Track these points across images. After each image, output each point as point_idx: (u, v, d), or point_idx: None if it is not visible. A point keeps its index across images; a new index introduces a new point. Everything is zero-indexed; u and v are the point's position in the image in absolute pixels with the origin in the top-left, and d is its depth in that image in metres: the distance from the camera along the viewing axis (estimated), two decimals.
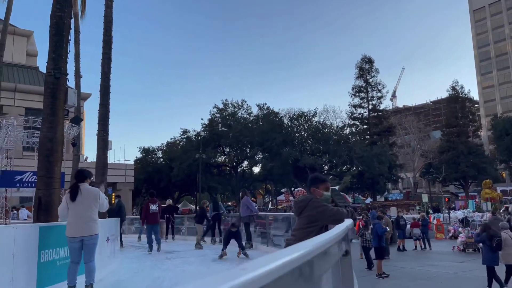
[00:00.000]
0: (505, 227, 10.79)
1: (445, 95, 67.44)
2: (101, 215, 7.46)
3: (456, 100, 61.42)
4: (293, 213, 4.51)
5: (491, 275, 9.38)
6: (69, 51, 9.10)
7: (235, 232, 11.88)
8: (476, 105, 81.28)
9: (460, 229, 20.00)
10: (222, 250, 11.68)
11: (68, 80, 9.22)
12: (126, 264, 10.51)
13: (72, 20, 10.40)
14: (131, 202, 34.26)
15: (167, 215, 18.20)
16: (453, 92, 62.11)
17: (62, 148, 9.11)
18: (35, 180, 9.51)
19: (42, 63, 37.16)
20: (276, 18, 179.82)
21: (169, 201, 20.59)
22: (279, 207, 59.25)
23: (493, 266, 9.40)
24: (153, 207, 13.28)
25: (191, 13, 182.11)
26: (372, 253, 12.73)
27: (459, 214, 24.15)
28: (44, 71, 9.32)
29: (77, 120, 17.75)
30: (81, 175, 6.58)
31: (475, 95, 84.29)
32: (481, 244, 17.12)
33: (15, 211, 22.25)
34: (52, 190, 8.27)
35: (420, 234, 18.47)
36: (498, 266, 9.44)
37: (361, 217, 17.49)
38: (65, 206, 6.36)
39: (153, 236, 13.24)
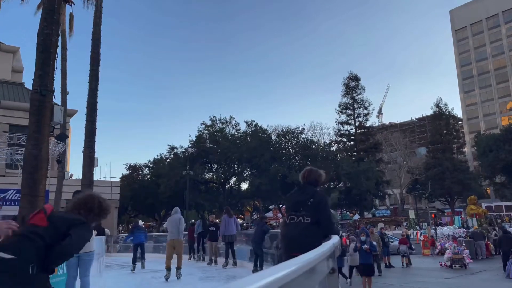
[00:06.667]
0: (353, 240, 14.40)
1: (429, 112, 68.55)
2: None
3: (441, 118, 62.44)
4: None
5: (339, 273, 11.79)
6: (56, 68, 9.06)
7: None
8: (460, 122, 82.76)
9: (446, 245, 20.13)
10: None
11: (55, 97, 9.16)
12: (112, 284, 10.30)
13: (60, 37, 10.39)
14: (116, 220, 33.74)
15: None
16: (437, 110, 63.19)
17: (47, 165, 8.98)
18: (19, 198, 9.32)
19: (27, 79, 36.71)
20: (265, 33, 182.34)
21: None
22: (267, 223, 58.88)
23: (341, 267, 12.27)
24: None
25: (177, 30, 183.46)
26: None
27: (446, 230, 24.32)
28: (30, 87, 9.25)
29: (63, 137, 17.59)
30: None
31: (458, 112, 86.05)
32: (467, 260, 17.36)
33: None
34: (36, 209, 8.11)
35: (407, 250, 18.78)
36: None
37: (348, 233, 17.68)
38: None
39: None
